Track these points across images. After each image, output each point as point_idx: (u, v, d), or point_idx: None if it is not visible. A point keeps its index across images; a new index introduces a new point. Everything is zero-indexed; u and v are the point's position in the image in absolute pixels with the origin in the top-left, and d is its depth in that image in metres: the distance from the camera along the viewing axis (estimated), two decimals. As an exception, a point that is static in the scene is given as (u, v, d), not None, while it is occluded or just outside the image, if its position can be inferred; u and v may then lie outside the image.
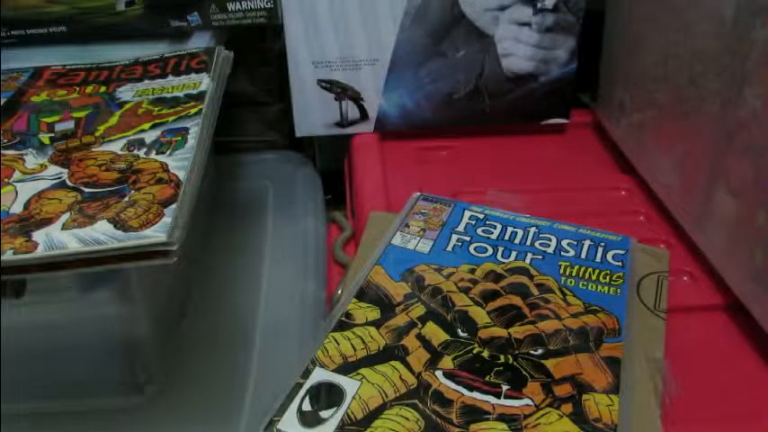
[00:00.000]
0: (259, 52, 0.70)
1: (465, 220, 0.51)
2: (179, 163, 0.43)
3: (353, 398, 0.37)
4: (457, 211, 0.52)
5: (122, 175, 0.43)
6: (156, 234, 0.37)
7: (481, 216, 0.52)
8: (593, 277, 0.46)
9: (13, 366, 0.44)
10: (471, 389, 0.38)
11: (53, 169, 0.44)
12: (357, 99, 0.64)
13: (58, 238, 0.37)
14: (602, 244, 0.49)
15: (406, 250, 0.48)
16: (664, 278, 0.47)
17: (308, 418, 0.35)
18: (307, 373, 0.38)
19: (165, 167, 0.43)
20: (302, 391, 0.37)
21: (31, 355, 0.45)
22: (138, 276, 0.44)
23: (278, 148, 0.74)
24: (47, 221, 0.39)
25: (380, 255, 0.47)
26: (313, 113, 0.65)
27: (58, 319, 0.43)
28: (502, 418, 0.36)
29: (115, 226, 0.38)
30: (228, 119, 0.72)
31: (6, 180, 0.43)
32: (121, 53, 0.57)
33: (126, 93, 0.52)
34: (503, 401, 0.37)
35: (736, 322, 0.46)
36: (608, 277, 0.46)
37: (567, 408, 0.37)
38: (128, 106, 0.50)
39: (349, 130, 0.66)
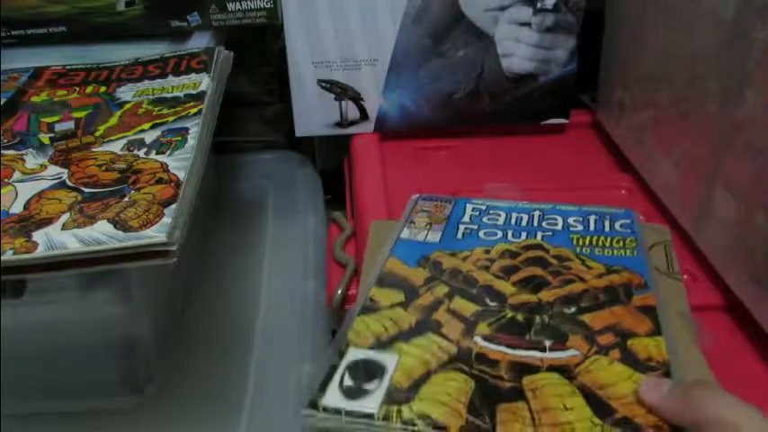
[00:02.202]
0: (259, 52, 0.70)
1: (468, 212, 0.51)
2: (179, 163, 0.43)
3: (396, 369, 0.36)
4: (459, 206, 0.52)
5: (122, 175, 0.42)
6: (155, 234, 0.37)
7: (483, 207, 0.52)
8: (607, 244, 0.46)
9: (13, 366, 0.44)
10: (514, 347, 0.37)
11: (53, 169, 0.44)
12: (357, 99, 0.64)
13: (58, 238, 0.37)
14: (608, 216, 0.50)
15: (417, 242, 0.47)
16: (670, 247, 0.47)
17: (351, 392, 0.34)
18: (341, 354, 0.37)
19: (165, 167, 0.43)
20: (341, 369, 0.36)
21: (31, 355, 0.45)
22: (138, 276, 0.44)
23: (278, 148, 0.74)
24: (47, 221, 0.39)
25: (391, 248, 0.47)
26: (313, 113, 0.65)
27: (58, 319, 0.43)
28: (552, 368, 0.36)
29: (115, 226, 0.38)
30: (228, 119, 0.72)
31: (6, 180, 0.43)
32: (121, 53, 0.57)
33: (126, 93, 0.52)
34: (549, 354, 0.37)
35: (736, 322, 0.46)
36: (621, 242, 0.46)
37: (615, 353, 0.37)
38: (128, 106, 0.50)
39: (349, 130, 0.66)
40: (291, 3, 0.60)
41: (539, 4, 0.61)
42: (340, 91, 0.64)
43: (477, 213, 0.51)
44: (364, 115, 0.65)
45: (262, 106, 0.73)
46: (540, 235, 0.48)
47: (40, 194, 0.41)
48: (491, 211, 0.51)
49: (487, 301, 0.41)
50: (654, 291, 0.42)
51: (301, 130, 0.66)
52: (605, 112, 0.66)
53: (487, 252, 0.46)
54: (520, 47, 0.62)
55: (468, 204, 0.52)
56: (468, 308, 0.41)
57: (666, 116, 0.54)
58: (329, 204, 0.68)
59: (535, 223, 0.49)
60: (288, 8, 0.60)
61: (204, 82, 0.51)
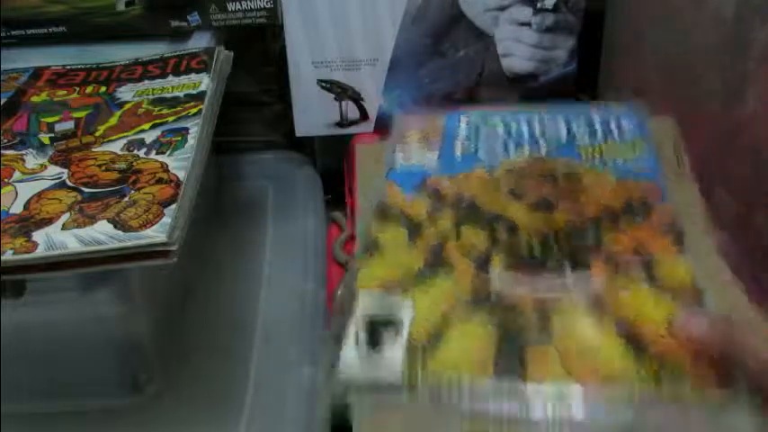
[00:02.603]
0: (259, 52, 0.70)
1: (463, 125, 0.47)
2: (179, 163, 0.43)
3: (411, 322, 0.34)
4: (452, 118, 0.48)
5: (122, 175, 0.43)
6: (155, 234, 0.37)
7: (479, 119, 0.47)
8: (617, 149, 0.43)
9: (13, 366, 0.44)
10: (535, 282, 0.35)
11: (53, 169, 0.44)
12: (357, 99, 0.64)
13: (58, 238, 0.37)
14: (613, 115, 0.46)
15: (413, 166, 0.44)
16: (679, 144, 0.44)
17: (368, 352, 0.33)
18: (353, 298, 0.35)
19: (165, 167, 0.43)
20: (354, 322, 0.34)
21: (31, 355, 0.45)
22: (138, 276, 0.44)
23: (278, 148, 0.74)
24: (47, 221, 0.39)
25: (386, 176, 0.43)
26: (313, 113, 0.64)
27: (58, 319, 0.43)
28: (577, 300, 0.34)
29: (115, 226, 0.38)
30: (228, 119, 0.72)
31: (6, 180, 0.43)
32: (121, 53, 0.57)
33: (126, 93, 0.52)
34: (572, 286, 0.35)
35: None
36: (631, 146, 0.43)
37: (642, 279, 0.35)
38: (128, 106, 0.50)
39: (349, 130, 0.66)
40: (291, 3, 0.60)
41: (539, 4, 0.61)
42: (340, 91, 0.64)
43: (473, 127, 0.47)
44: (364, 115, 0.65)
45: (262, 106, 0.73)
46: (543, 146, 0.44)
47: (39, 194, 0.41)
48: (489, 122, 0.47)
49: (498, 229, 0.38)
50: (671, 200, 0.40)
51: (301, 130, 0.66)
52: (605, 112, 0.66)
53: (491, 173, 0.42)
54: (520, 47, 0.62)
55: (462, 116, 0.48)
56: (478, 238, 0.37)
57: (666, 116, 0.54)
58: (329, 204, 0.68)
59: (536, 132, 0.45)
60: (288, 8, 0.60)
61: (204, 82, 0.51)
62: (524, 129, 0.46)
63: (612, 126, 0.45)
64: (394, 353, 0.32)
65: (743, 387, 0.29)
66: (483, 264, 0.37)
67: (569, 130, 0.45)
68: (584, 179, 0.41)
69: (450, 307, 0.34)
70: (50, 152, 0.45)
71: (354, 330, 0.34)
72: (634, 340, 0.32)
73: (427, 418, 0.31)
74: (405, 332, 0.33)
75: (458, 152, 0.44)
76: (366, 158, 0.48)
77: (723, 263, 0.37)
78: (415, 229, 0.39)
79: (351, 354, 0.33)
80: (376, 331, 0.33)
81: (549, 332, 0.33)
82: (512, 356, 0.32)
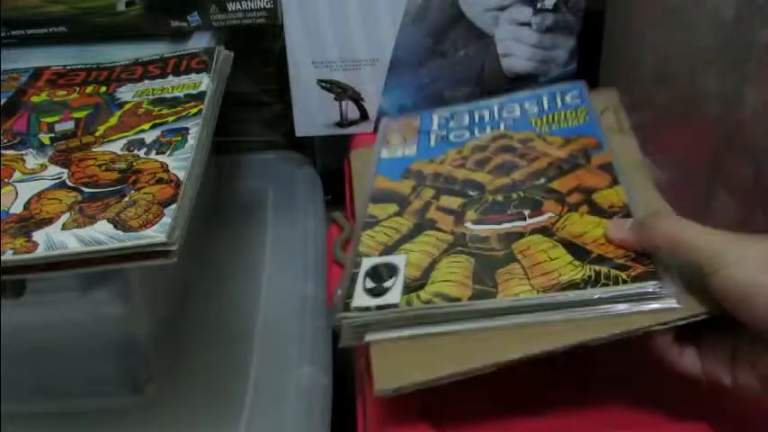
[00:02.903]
0: (259, 52, 0.70)
1: (435, 121, 0.56)
2: (179, 163, 0.43)
3: (406, 265, 0.41)
4: (425, 117, 0.57)
5: (122, 175, 0.43)
6: (155, 234, 0.37)
7: (448, 114, 0.57)
8: (562, 118, 0.52)
9: (14, 366, 0.44)
10: (499, 223, 0.43)
11: (53, 169, 0.44)
12: (357, 99, 0.64)
13: (58, 238, 0.37)
14: (558, 93, 0.55)
15: (396, 158, 0.52)
16: (618, 108, 0.52)
17: (375, 291, 0.40)
18: (357, 264, 0.42)
19: (165, 167, 0.43)
20: (361, 275, 0.41)
21: (31, 355, 0.45)
22: (138, 276, 0.44)
23: (278, 148, 0.74)
24: (47, 221, 0.39)
25: (375, 168, 0.51)
26: (313, 113, 0.65)
27: (57, 319, 0.43)
28: (534, 231, 0.42)
29: (115, 226, 0.38)
30: (228, 119, 0.72)
31: (6, 180, 0.43)
32: (121, 53, 0.57)
33: (126, 93, 0.52)
34: (529, 221, 0.42)
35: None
36: (574, 113, 0.52)
37: (584, 208, 0.42)
38: (128, 106, 0.50)
39: (349, 130, 0.66)
40: (291, 3, 0.60)
41: (539, 4, 0.61)
42: (340, 91, 0.64)
43: (443, 121, 0.56)
44: (364, 115, 0.65)
45: (262, 106, 0.73)
46: (502, 125, 0.53)
47: (40, 194, 0.41)
48: (456, 116, 0.56)
49: (469, 192, 0.46)
50: (609, 148, 0.48)
51: (301, 130, 0.66)
52: (605, 112, 0.66)
53: (460, 152, 0.51)
54: (520, 47, 0.62)
55: (434, 115, 0.57)
56: (454, 202, 0.46)
57: (666, 116, 0.54)
58: (329, 204, 0.68)
59: (496, 116, 0.54)
60: (288, 8, 0.60)
61: (204, 82, 0.51)
62: (485, 114, 0.55)
63: (558, 100, 0.54)
64: (394, 287, 0.40)
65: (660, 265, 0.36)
66: (459, 217, 0.44)
67: (522, 109, 0.54)
68: (535, 144, 0.49)
69: (436, 250, 0.42)
70: (50, 152, 0.46)
71: (363, 276, 0.41)
72: (579, 251, 0.39)
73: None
74: (401, 275, 0.41)
75: (432, 142, 0.53)
76: (359, 163, 0.56)
77: (653, 188, 0.45)
78: (403, 202, 0.47)
79: (360, 290, 0.40)
80: (378, 278, 0.41)
81: (513, 256, 0.40)
82: (485, 278, 0.39)
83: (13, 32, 0.59)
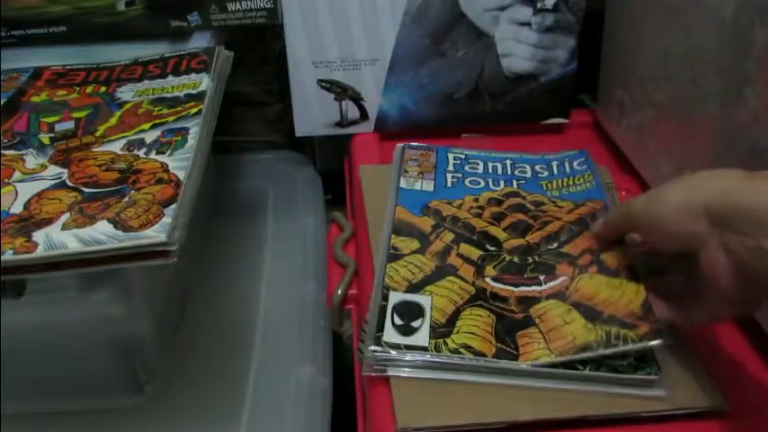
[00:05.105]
0: (259, 52, 0.70)
1: (451, 161, 0.58)
2: (179, 163, 0.43)
3: (432, 308, 0.43)
4: (441, 154, 0.59)
5: (122, 175, 0.43)
6: (155, 234, 0.37)
7: (463, 156, 0.59)
8: (571, 183, 0.55)
9: (14, 366, 0.44)
10: (517, 285, 0.45)
11: (53, 169, 0.44)
12: (357, 99, 0.64)
13: (58, 238, 0.37)
14: (566, 159, 0.58)
15: (415, 191, 0.54)
16: (612, 187, 0.56)
17: (403, 330, 0.42)
18: (385, 297, 0.44)
19: (165, 167, 0.43)
20: (389, 310, 0.43)
21: (31, 355, 0.45)
22: (138, 276, 0.44)
23: (278, 148, 0.74)
24: (47, 221, 0.39)
25: (396, 197, 0.53)
26: (313, 113, 0.65)
27: (58, 319, 0.43)
28: (550, 296, 0.44)
29: (115, 226, 0.38)
30: (228, 119, 0.72)
31: (6, 180, 0.43)
32: (121, 53, 0.57)
33: (126, 93, 0.52)
34: (545, 286, 0.45)
35: (737, 323, 0.46)
36: (581, 178, 0.55)
37: (593, 268, 0.45)
38: (128, 106, 0.50)
39: (349, 130, 0.66)
40: (291, 3, 0.60)
41: (539, 4, 0.61)
42: (340, 91, 0.64)
43: (458, 162, 0.58)
44: (364, 115, 0.65)
45: (262, 106, 0.73)
46: (515, 183, 0.56)
47: (40, 194, 0.41)
48: (470, 160, 0.59)
49: (487, 246, 0.49)
50: None
51: (301, 130, 0.66)
52: (605, 112, 0.66)
53: (476, 200, 0.53)
54: (520, 47, 0.62)
55: (449, 153, 0.59)
56: (474, 253, 0.48)
57: (667, 116, 0.54)
58: (329, 204, 0.68)
59: (509, 171, 0.57)
60: (288, 8, 0.60)
61: (204, 82, 0.51)
62: (498, 166, 0.58)
63: (567, 166, 0.57)
64: (422, 328, 0.42)
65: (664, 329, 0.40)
66: (480, 270, 0.47)
67: (533, 170, 0.57)
68: (547, 207, 0.52)
69: (459, 298, 0.44)
70: (50, 152, 0.46)
71: (391, 312, 0.43)
72: (591, 313, 0.42)
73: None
74: (427, 315, 0.43)
75: (448, 183, 0.55)
76: (370, 179, 0.57)
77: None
78: (424, 240, 0.49)
79: (390, 332, 0.42)
80: (406, 312, 0.43)
81: (532, 319, 0.43)
82: (507, 338, 0.42)
83: (13, 32, 0.59)
